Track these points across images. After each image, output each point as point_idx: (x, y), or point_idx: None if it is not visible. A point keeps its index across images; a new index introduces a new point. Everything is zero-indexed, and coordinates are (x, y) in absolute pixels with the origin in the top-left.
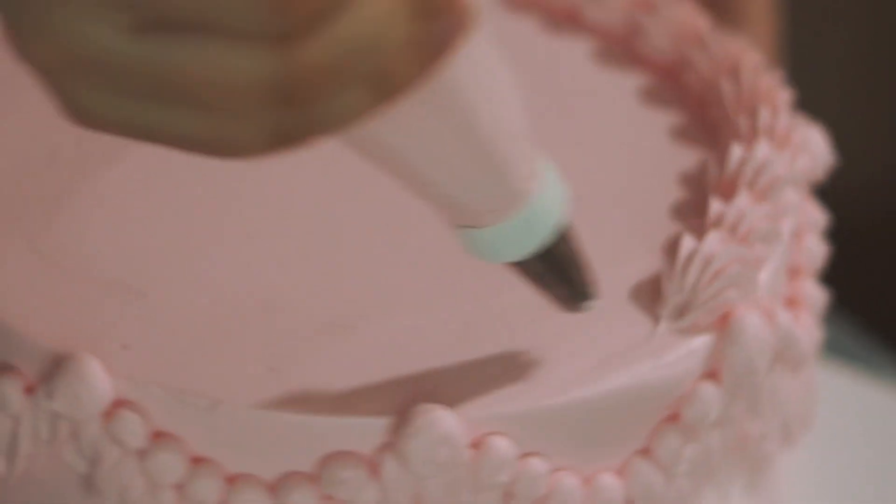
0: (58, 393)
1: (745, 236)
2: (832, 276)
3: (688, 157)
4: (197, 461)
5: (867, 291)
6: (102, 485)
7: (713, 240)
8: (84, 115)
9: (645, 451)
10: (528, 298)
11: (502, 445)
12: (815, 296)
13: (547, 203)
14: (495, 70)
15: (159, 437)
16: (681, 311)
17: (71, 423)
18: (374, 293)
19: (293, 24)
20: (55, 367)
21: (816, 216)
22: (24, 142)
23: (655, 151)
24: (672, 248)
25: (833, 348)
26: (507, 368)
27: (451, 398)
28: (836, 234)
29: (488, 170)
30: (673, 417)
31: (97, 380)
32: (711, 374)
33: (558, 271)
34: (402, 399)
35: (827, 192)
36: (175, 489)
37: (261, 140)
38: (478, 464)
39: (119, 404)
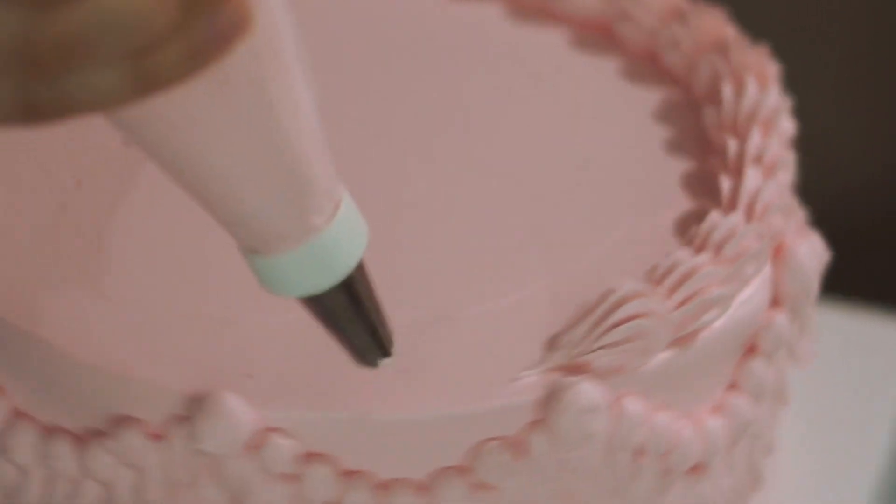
0: (203, 433)
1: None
2: (832, 276)
3: (672, 131)
4: (348, 475)
5: (867, 291)
6: None
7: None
8: None
9: (734, 386)
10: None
11: (635, 406)
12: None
13: (345, 235)
14: (296, 82)
15: (311, 457)
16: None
17: (212, 460)
18: (462, 282)
19: None
20: (194, 408)
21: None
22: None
23: (640, 131)
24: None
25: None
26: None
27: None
28: (836, 235)
29: (278, 185)
30: (752, 349)
31: (240, 413)
32: (775, 303)
33: (353, 313)
34: (542, 378)
35: (826, 192)
36: None
37: (12, 108)
38: (616, 427)
39: (266, 432)
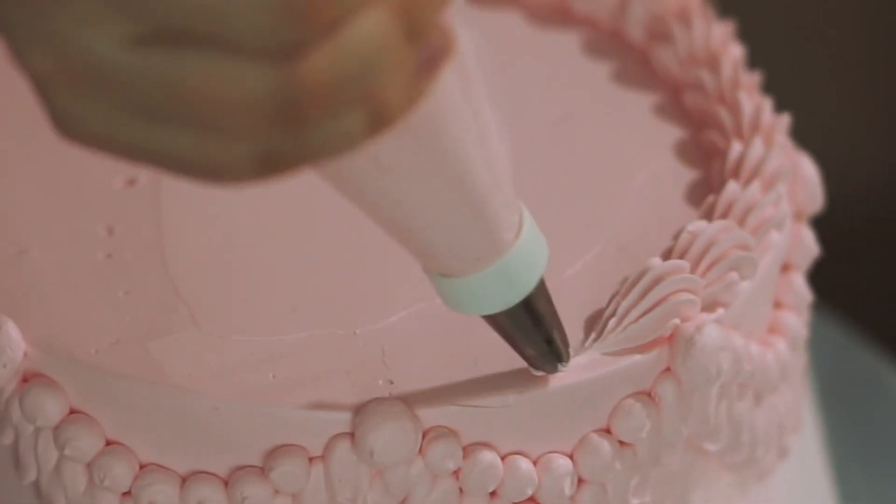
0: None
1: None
2: (832, 276)
3: (671, 136)
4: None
5: (867, 292)
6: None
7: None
8: (71, 127)
9: (779, 305)
10: None
11: (740, 340)
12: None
13: (527, 256)
14: (481, 113)
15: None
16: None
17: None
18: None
19: (299, 37)
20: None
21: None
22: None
23: (638, 135)
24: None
25: (831, 349)
26: None
27: None
28: (836, 235)
29: (468, 214)
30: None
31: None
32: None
33: (533, 327)
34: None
35: (827, 192)
36: None
37: (248, 164)
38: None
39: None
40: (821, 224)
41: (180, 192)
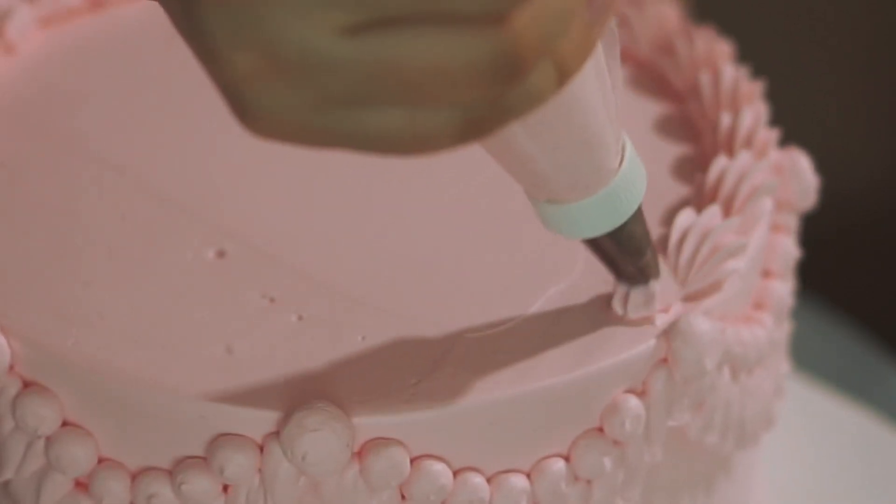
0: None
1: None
2: (831, 276)
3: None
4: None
5: (867, 292)
6: None
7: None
8: (267, 122)
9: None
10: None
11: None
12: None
13: (629, 181)
14: (599, 52)
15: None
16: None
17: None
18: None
19: (507, 2)
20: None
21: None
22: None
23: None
24: None
25: (831, 350)
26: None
27: None
28: (836, 234)
29: (587, 150)
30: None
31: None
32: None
33: (630, 247)
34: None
35: (827, 192)
36: None
37: (454, 131)
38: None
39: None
40: (820, 223)
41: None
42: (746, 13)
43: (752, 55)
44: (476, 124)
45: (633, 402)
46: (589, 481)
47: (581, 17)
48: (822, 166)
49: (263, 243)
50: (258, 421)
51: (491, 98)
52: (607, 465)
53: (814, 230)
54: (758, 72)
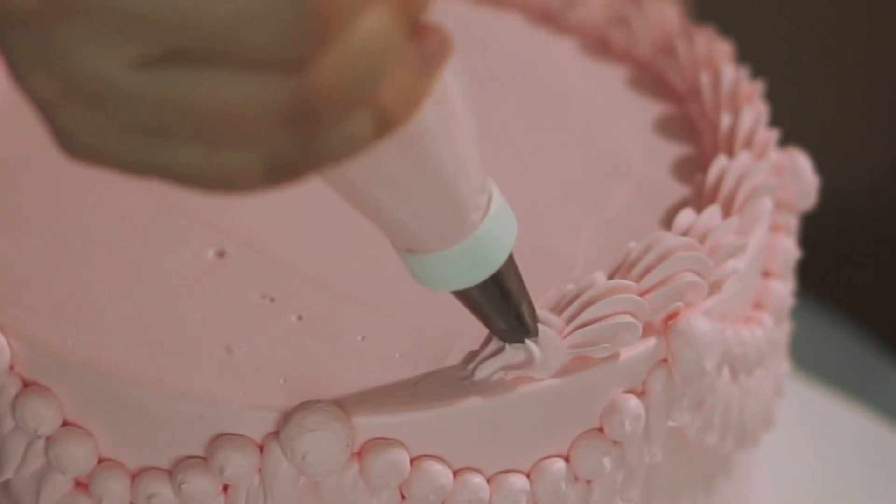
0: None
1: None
2: (831, 276)
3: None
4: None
5: (867, 292)
6: None
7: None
8: (77, 147)
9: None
10: None
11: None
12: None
13: (496, 232)
14: (456, 100)
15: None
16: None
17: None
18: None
19: (309, 47)
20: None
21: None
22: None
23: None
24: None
25: (831, 350)
26: None
27: None
28: (836, 234)
29: (443, 198)
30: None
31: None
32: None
33: (501, 301)
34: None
35: (827, 193)
36: None
37: (259, 173)
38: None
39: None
40: (820, 223)
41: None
42: (747, 13)
43: (752, 55)
44: (283, 168)
45: (633, 402)
46: (589, 481)
47: (407, 66)
48: (822, 166)
49: (263, 243)
50: (258, 421)
51: (295, 143)
52: (607, 465)
53: (814, 230)
54: (758, 72)
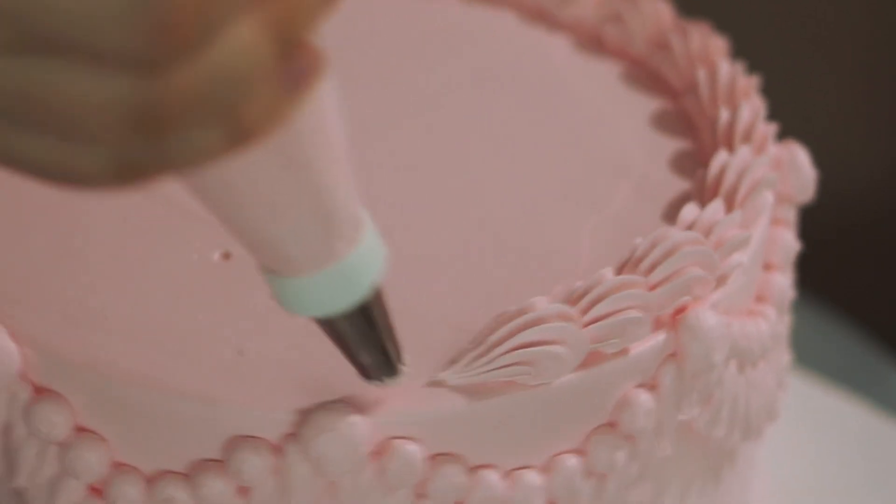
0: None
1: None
2: (831, 276)
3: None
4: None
5: (867, 292)
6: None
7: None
8: None
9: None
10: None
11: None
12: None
13: (365, 261)
14: (334, 122)
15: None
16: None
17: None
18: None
19: (163, 53)
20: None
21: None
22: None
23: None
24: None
25: (831, 350)
26: None
27: None
28: (836, 235)
29: (313, 221)
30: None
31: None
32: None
33: (366, 335)
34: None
35: (827, 192)
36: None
37: (106, 171)
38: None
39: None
40: (820, 223)
41: None
42: (746, 13)
43: (751, 55)
44: (130, 168)
45: (644, 396)
46: (603, 476)
47: (270, 84)
48: (822, 166)
49: None
50: (273, 422)
51: (141, 145)
52: (620, 460)
53: (814, 229)
54: (757, 72)
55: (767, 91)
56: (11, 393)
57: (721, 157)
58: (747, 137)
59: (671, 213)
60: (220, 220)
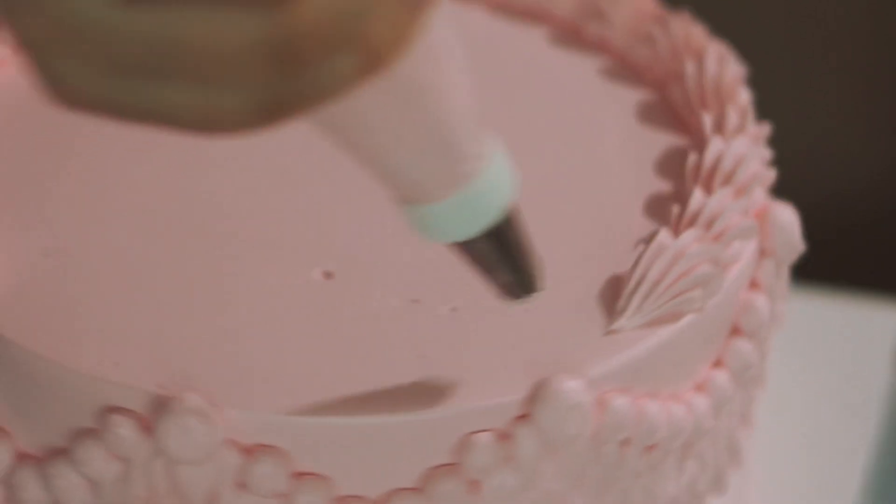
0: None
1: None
2: (831, 275)
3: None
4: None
5: (867, 292)
6: None
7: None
8: (67, 93)
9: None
10: None
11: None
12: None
13: (494, 184)
14: (451, 48)
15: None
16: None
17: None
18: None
19: None
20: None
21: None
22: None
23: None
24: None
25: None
26: None
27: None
28: (836, 235)
29: (440, 145)
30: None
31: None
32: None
33: (503, 256)
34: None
35: (827, 192)
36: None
37: (250, 112)
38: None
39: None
40: (820, 223)
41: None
42: (745, 14)
43: (750, 56)
44: (271, 107)
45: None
46: None
47: (395, 3)
48: (822, 166)
49: (368, 259)
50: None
51: (281, 81)
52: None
53: (814, 230)
54: (757, 72)
55: (767, 91)
56: None
57: (716, 145)
58: (741, 129)
59: (666, 205)
60: (351, 153)
